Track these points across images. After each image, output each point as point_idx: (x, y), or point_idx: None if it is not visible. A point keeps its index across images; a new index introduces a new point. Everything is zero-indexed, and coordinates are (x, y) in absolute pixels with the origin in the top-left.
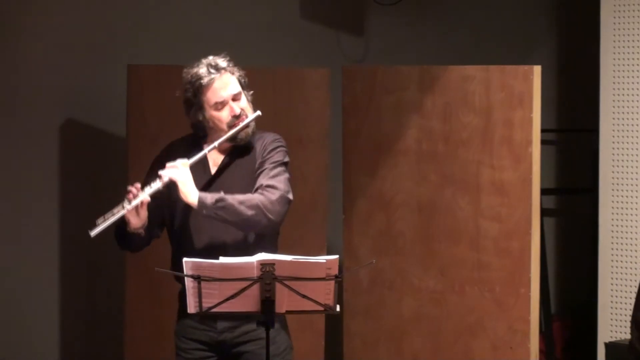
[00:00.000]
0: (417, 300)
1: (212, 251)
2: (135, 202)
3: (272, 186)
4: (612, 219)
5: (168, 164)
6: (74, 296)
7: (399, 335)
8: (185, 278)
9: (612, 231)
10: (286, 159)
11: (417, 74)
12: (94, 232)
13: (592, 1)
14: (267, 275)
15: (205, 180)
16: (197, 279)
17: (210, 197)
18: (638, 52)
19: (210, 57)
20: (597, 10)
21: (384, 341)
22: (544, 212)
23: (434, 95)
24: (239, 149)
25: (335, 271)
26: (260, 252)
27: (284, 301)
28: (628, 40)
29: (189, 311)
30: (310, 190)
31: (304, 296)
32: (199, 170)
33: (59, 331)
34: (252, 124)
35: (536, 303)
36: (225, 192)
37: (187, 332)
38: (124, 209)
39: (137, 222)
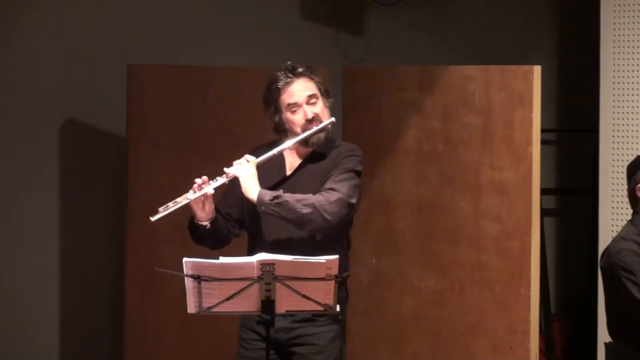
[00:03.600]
0: (417, 300)
1: (278, 248)
2: (198, 194)
3: (334, 189)
4: (612, 219)
5: (235, 161)
6: (74, 296)
7: (399, 335)
8: (186, 278)
9: (612, 231)
10: (358, 168)
11: (417, 74)
12: (154, 218)
13: (592, 1)
14: (267, 275)
15: (278, 180)
16: (197, 279)
17: (269, 195)
18: (638, 52)
19: (289, 62)
20: (597, 10)
21: (384, 341)
22: (544, 212)
23: (434, 95)
24: (315, 155)
25: (335, 271)
26: (326, 253)
27: (284, 301)
28: (628, 40)
29: (188, 311)
30: None
31: (304, 296)
32: (275, 170)
33: (59, 331)
34: (328, 129)
35: (536, 303)
36: (297, 192)
37: (249, 324)
38: (187, 200)
39: (202, 215)
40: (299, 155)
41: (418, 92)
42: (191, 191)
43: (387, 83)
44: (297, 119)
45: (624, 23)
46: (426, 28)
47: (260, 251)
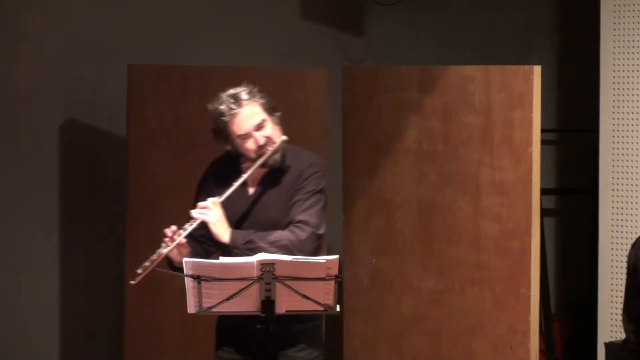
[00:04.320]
0: (417, 300)
1: None
2: (171, 247)
3: (304, 222)
4: (612, 219)
5: (200, 204)
6: (74, 296)
7: (399, 335)
8: (186, 278)
9: (612, 231)
10: (320, 186)
11: (417, 74)
12: (135, 281)
13: (592, 1)
14: (267, 275)
15: (244, 202)
16: (197, 279)
17: (241, 238)
18: (638, 52)
19: (231, 91)
20: (597, 10)
21: (384, 341)
22: (544, 212)
23: (434, 95)
24: (274, 170)
25: (335, 271)
26: None
27: (284, 301)
28: (628, 40)
29: (188, 311)
30: None
31: (304, 296)
32: (238, 192)
33: (59, 331)
34: (281, 147)
35: (536, 303)
36: (261, 215)
37: (227, 329)
38: (161, 255)
39: (179, 258)
40: (257, 172)
41: (418, 92)
42: (163, 244)
43: (387, 83)
44: (249, 146)
45: (624, 23)
46: (426, 28)
47: None
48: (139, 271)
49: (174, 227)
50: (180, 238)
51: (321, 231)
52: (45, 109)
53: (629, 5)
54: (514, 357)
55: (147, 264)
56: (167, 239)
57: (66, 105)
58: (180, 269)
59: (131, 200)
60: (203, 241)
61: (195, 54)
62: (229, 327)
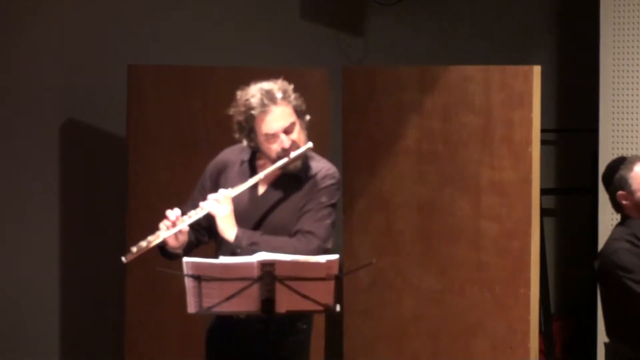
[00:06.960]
0: (417, 300)
1: None
2: (172, 232)
3: (312, 233)
4: (612, 219)
5: (210, 196)
6: (74, 296)
7: (399, 335)
8: (186, 278)
9: None
10: (334, 200)
11: (417, 74)
12: (127, 259)
13: (592, 1)
14: (267, 275)
15: (252, 201)
16: (197, 278)
17: (246, 239)
18: (638, 52)
19: (266, 85)
20: (597, 10)
21: (383, 341)
22: (544, 212)
23: (434, 96)
24: (288, 177)
25: (335, 271)
26: None
27: (284, 301)
28: (628, 40)
29: (188, 311)
30: None
31: (304, 296)
32: (247, 189)
33: (59, 331)
34: (304, 154)
35: (536, 303)
36: (269, 216)
37: (217, 329)
38: (160, 238)
39: (175, 244)
40: (272, 172)
41: (418, 92)
42: (163, 226)
43: (387, 83)
44: (272, 147)
45: (624, 23)
46: (426, 28)
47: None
48: (134, 250)
49: (178, 211)
50: (184, 225)
51: (328, 246)
52: (45, 109)
53: (629, 5)
54: (513, 357)
55: (143, 244)
56: (169, 224)
57: (66, 105)
58: (171, 255)
59: (131, 200)
60: (197, 229)
61: (195, 54)
62: (221, 338)
